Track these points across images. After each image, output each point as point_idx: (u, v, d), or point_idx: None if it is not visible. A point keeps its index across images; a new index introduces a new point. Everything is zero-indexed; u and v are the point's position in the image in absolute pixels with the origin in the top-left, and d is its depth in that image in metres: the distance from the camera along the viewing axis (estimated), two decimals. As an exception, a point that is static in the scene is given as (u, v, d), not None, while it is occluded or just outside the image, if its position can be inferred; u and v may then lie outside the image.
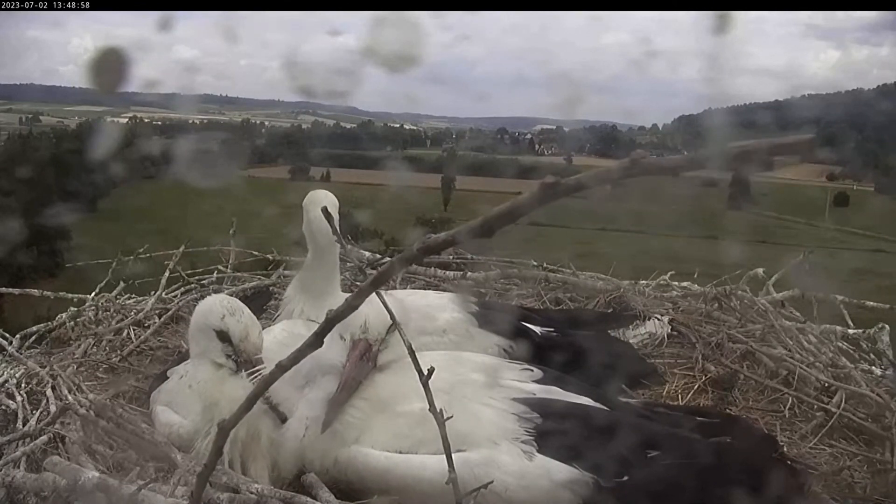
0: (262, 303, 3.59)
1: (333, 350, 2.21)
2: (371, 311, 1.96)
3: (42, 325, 3.47)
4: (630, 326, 3.52)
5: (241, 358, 2.27)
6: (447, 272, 4.25)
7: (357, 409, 2.20)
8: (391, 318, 1.83)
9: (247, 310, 2.34)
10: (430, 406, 1.57)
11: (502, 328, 2.89)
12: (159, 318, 3.56)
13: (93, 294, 3.66)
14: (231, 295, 3.67)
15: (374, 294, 1.71)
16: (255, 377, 2.23)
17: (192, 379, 2.41)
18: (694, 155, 0.88)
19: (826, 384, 2.96)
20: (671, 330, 3.56)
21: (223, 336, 2.27)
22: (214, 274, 4.28)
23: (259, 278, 4.33)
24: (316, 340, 1.25)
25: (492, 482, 1.80)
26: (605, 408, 2.30)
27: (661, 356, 3.39)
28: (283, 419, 2.26)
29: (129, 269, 4.02)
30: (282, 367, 1.30)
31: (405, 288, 3.84)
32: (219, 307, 2.31)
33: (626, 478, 1.98)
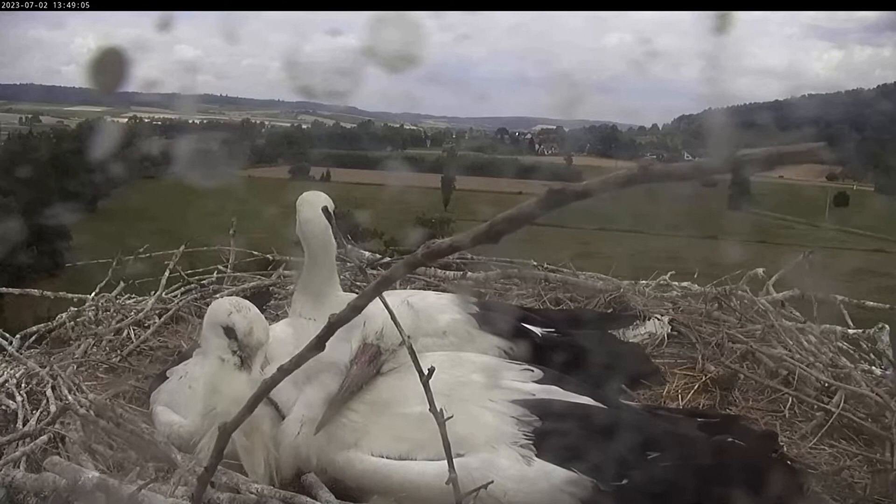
0: (262, 303, 3.58)
1: (337, 350, 2.20)
2: (389, 319, 1.96)
3: (42, 325, 3.47)
4: (630, 326, 3.52)
5: (245, 353, 2.28)
6: (447, 272, 4.24)
7: (355, 412, 2.20)
8: (396, 326, 1.83)
9: (255, 308, 2.39)
10: (430, 406, 1.56)
11: (502, 329, 2.88)
12: (159, 318, 3.56)
13: (93, 294, 3.66)
14: (231, 295, 3.70)
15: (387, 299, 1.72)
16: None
17: (193, 379, 2.42)
18: (700, 162, 0.87)
19: (826, 384, 2.96)
20: (671, 330, 3.56)
21: (229, 332, 2.30)
22: (214, 274, 4.27)
23: (259, 278, 4.33)
24: (318, 344, 1.25)
25: (491, 482, 1.79)
26: (605, 407, 2.29)
27: (661, 356, 3.38)
28: (282, 416, 2.27)
29: (129, 269, 4.02)
30: (283, 371, 1.30)
31: (405, 288, 3.84)
32: (227, 305, 2.37)
33: (625, 480, 1.97)
